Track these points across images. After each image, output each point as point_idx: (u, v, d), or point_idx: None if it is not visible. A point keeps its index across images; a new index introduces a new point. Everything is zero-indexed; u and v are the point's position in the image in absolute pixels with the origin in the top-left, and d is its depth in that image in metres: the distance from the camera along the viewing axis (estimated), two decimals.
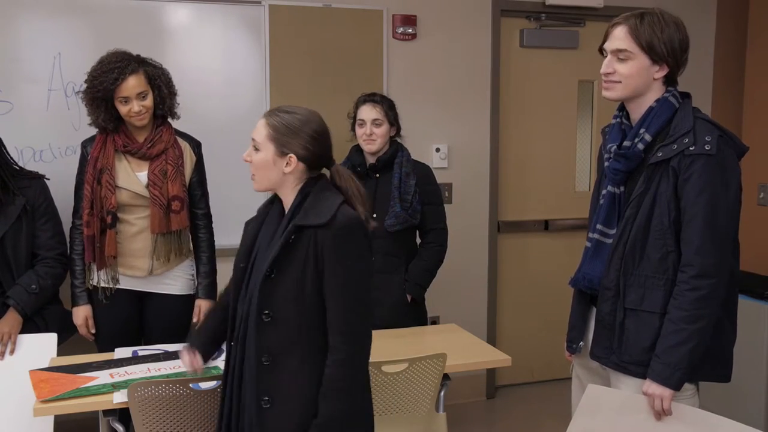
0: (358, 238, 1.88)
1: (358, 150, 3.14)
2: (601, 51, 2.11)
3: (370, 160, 3.10)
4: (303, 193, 1.95)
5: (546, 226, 4.36)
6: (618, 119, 2.14)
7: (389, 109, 3.08)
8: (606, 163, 2.11)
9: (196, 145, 2.97)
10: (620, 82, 2.03)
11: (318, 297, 1.87)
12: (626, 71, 2.01)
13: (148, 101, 2.75)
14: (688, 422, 1.96)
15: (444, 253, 3.16)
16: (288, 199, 1.97)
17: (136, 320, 2.91)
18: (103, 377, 2.31)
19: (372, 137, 3.04)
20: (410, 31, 3.90)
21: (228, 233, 3.51)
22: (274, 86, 3.67)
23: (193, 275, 2.97)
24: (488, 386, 4.30)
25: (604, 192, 2.12)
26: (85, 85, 2.76)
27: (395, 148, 3.11)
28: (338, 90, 3.69)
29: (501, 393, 4.35)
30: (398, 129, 3.14)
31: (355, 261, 1.87)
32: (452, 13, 3.98)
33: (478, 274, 4.20)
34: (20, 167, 2.84)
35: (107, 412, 2.24)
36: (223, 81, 3.61)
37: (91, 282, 2.83)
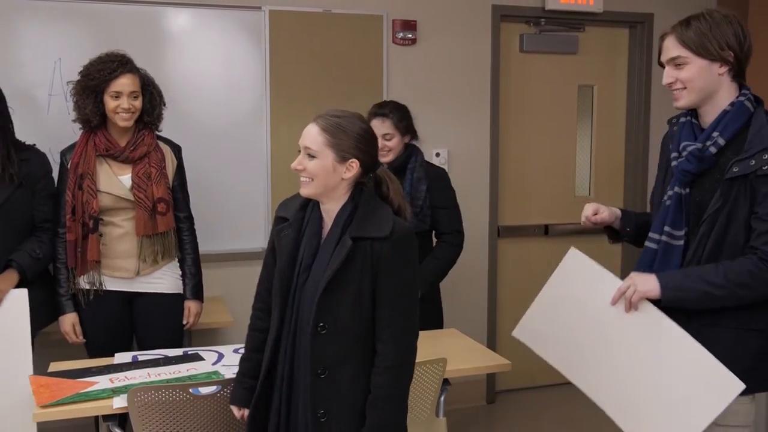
0: (413, 249, 1.93)
1: None
2: (661, 65, 2.08)
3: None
4: (354, 201, 1.93)
5: (546, 230, 4.36)
6: (688, 117, 2.08)
7: (399, 120, 3.06)
8: (674, 163, 2.05)
9: (176, 150, 2.97)
10: (685, 87, 1.99)
11: (372, 307, 1.89)
12: (686, 76, 1.98)
13: (138, 103, 2.78)
14: (645, 320, 1.97)
15: (458, 254, 3.16)
16: (334, 206, 1.94)
17: (125, 323, 2.90)
18: (102, 382, 2.30)
19: (384, 150, 3.03)
20: (410, 36, 3.91)
21: (227, 239, 3.52)
22: (275, 91, 3.67)
23: (180, 275, 2.97)
24: (488, 391, 4.29)
25: (670, 193, 2.05)
26: (78, 77, 2.79)
27: (408, 153, 3.10)
28: (339, 95, 3.69)
29: (501, 398, 4.34)
30: (413, 134, 3.14)
31: (410, 272, 1.92)
32: (452, 18, 3.99)
33: (478, 278, 4.20)
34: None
35: (107, 417, 2.23)
36: (223, 86, 3.62)
37: (74, 287, 2.82)
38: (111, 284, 2.83)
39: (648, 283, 1.96)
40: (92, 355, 2.82)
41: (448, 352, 2.52)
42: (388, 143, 3.04)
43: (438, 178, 3.14)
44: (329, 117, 1.91)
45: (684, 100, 2.01)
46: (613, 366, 2.03)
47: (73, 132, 3.34)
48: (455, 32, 4.00)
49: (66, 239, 2.78)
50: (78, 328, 2.84)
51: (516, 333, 2.24)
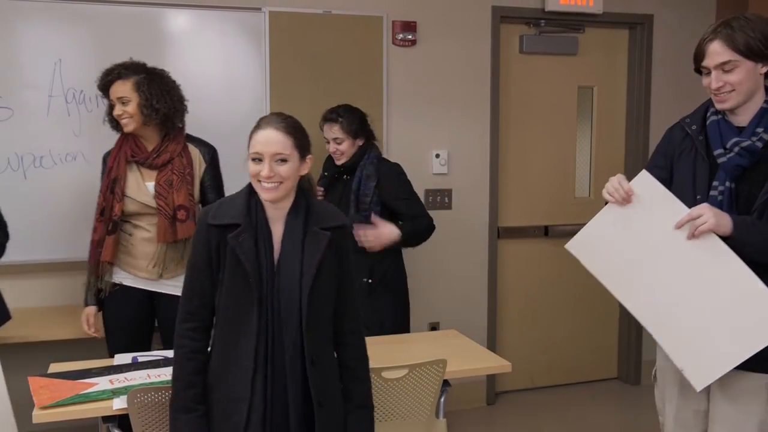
0: None
1: (330, 157, 3.28)
2: (698, 70, 2.12)
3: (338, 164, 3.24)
4: (304, 196, 2.01)
5: (546, 231, 4.36)
6: (719, 115, 2.15)
7: (349, 124, 3.15)
8: (722, 159, 2.10)
9: (208, 151, 3.00)
10: (734, 90, 2.05)
11: (335, 293, 2.01)
12: (737, 79, 2.04)
13: (130, 108, 2.80)
14: (706, 248, 2.01)
15: (430, 231, 3.19)
16: (286, 204, 1.99)
17: (145, 320, 2.95)
18: (102, 383, 2.30)
19: (336, 154, 3.18)
20: (410, 37, 3.91)
21: None
22: (274, 93, 3.68)
23: None
24: (488, 392, 4.29)
25: (721, 188, 2.11)
26: None
27: (361, 152, 3.18)
28: (338, 96, 3.68)
29: (501, 399, 4.34)
30: (368, 136, 3.22)
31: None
32: (452, 19, 3.99)
33: (478, 279, 4.20)
34: None
35: (107, 419, 2.23)
36: (223, 87, 3.62)
37: (95, 284, 2.87)
38: (135, 282, 2.89)
39: (723, 218, 2.00)
40: (112, 349, 2.86)
41: (448, 353, 2.52)
42: (339, 147, 3.17)
43: (389, 172, 3.20)
44: (283, 120, 1.98)
45: (732, 102, 2.07)
46: (665, 288, 2.08)
47: (74, 134, 3.35)
48: (455, 33, 4.01)
49: (92, 238, 2.87)
50: (91, 320, 2.89)
51: (569, 246, 2.24)
